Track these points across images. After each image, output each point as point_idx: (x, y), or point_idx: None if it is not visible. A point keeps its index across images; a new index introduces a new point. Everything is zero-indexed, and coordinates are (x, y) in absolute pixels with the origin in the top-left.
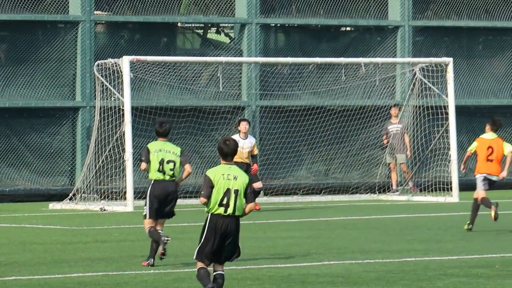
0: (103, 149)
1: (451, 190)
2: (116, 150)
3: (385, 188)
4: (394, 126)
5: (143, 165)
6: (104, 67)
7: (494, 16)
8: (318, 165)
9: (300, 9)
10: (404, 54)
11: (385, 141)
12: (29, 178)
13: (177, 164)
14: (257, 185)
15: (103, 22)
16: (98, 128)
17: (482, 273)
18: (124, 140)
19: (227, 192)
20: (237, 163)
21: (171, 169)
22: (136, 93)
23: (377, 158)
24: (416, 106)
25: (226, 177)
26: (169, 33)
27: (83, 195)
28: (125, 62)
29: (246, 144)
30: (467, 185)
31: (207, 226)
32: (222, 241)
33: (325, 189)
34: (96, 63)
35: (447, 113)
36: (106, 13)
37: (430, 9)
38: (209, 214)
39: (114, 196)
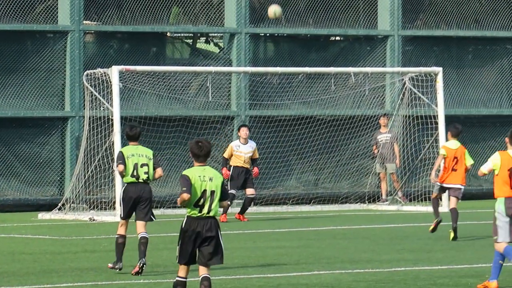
0: (92, 159)
1: (441, 199)
2: (105, 160)
3: (374, 197)
4: (383, 136)
5: (121, 167)
6: (93, 77)
7: (483, 26)
8: (307, 175)
9: (289, 18)
10: (394, 64)
11: (375, 151)
12: (18, 188)
13: (151, 167)
14: (250, 191)
15: (92, 32)
16: (87, 138)
17: (472, 283)
18: (113, 150)
19: (204, 194)
20: (236, 167)
21: (145, 173)
22: (125, 103)
23: (366, 168)
24: (405, 116)
25: (202, 178)
26: (158, 43)
27: (72, 205)
28: (114, 72)
29: (246, 149)
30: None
31: (183, 228)
32: (199, 243)
33: (314, 198)
34: (85, 73)
35: (436, 123)
36: (95, 23)
37: (419, 18)
38: (185, 216)
39: (103, 206)
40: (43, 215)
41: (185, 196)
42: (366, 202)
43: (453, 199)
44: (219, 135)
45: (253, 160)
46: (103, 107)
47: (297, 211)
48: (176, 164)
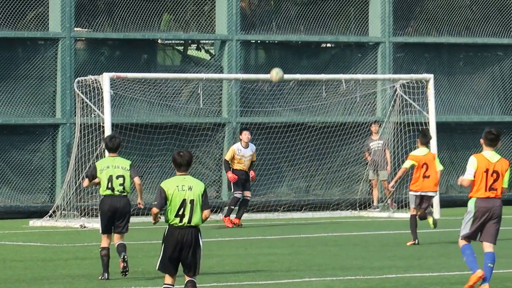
0: (83, 166)
1: (432, 206)
2: None
3: (366, 204)
4: (375, 143)
5: (85, 182)
6: (84, 84)
7: (474, 33)
8: (299, 182)
9: (280, 25)
10: (385, 71)
11: (368, 158)
12: (9, 195)
13: (127, 178)
14: (247, 193)
15: (83, 39)
16: (78, 145)
17: None
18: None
19: (183, 203)
20: (236, 170)
21: (120, 184)
22: (116, 110)
23: (358, 175)
24: (397, 123)
25: (181, 188)
26: (149, 50)
27: (63, 212)
28: (105, 79)
29: (247, 152)
30: (448, 202)
31: (165, 237)
32: (180, 252)
33: (306, 205)
34: (76, 80)
35: (427, 130)
36: (86, 30)
37: (410, 25)
38: (168, 225)
39: (94, 213)
40: (34, 222)
41: (154, 210)
42: (357, 209)
43: (424, 206)
44: (210, 142)
45: (250, 164)
46: (94, 114)
47: (288, 218)
48: (168, 171)
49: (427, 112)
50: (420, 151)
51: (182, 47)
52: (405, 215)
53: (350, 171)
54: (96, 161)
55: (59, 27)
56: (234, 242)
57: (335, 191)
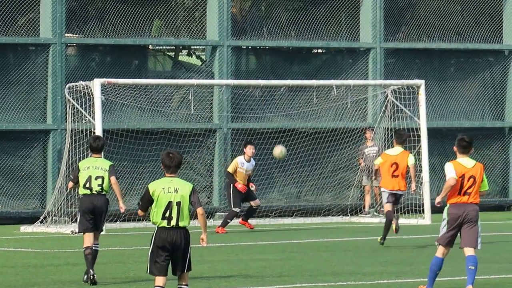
0: None
1: (423, 212)
2: None
3: (357, 210)
4: (370, 149)
5: (70, 184)
6: (75, 90)
7: (465, 38)
8: (290, 188)
9: (271, 31)
10: (376, 76)
11: (362, 164)
12: (0, 201)
13: (106, 179)
14: (256, 202)
15: (74, 44)
16: (69, 151)
17: None
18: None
19: (169, 205)
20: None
21: (99, 185)
22: (107, 116)
23: (349, 180)
24: (387, 128)
25: (167, 190)
26: (140, 56)
27: (54, 218)
28: (96, 85)
29: (249, 167)
30: (439, 207)
31: (153, 240)
32: (170, 253)
33: (297, 211)
34: (67, 85)
35: (419, 135)
36: (77, 35)
37: (401, 31)
38: (156, 228)
39: None
40: (25, 228)
41: (139, 213)
42: (349, 214)
43: (389, 204)
44: (201, 148)
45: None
46: (85, 120)
47: (279, 224)
48: (159, 177)
49: (418, 118)
50: (392, 151)
51: (173, 53)
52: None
53: (341, 177)
54: (79, 162)
55: (50, 33)
56: (225, 248)
57: (326, 197)
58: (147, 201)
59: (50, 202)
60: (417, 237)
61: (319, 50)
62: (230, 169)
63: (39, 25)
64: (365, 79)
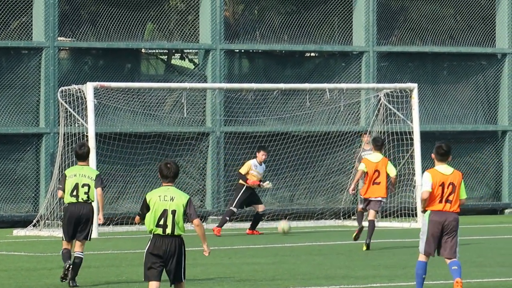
0: None
1: (416, 215)
2: None
3: (350, 214)
4: (367, 153)
5: (59, 193)
6: (68, 93)
7: (458, 42)
8: (282, 191)
9: (264, 35)
10: (369, 80)
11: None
12: None
13: (92, 188)
14: (262, 207)
15: (67, 48)
16: (62, 155)
17: None
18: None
19: (164, 213)
20: (247, 187)
21: (85, 193)
22: (100, 119)
23: (342, 184)
24: (380, 132)
25: (163, 198)
26: (133, 59)
27: (47, 221)
28: (89, 88)
29: (261, 170)
30: None
31: (148, 247)
32: (164, 261)
33: (290, 215)
34: (60, 89)
35: (412, 139)
36: (69, 39)
37: (394, 34)
38: (151, 235)
39: None
40: (18, 232)
41: (136, 219)
42: (341, 218)
43: (371, 212)
44: (194, 151)
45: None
46: (77, 123)
47: (272, 227)
48: (151, 181)
49: (411, 121)
50: (373, 157)
51: (166, 57)
52: (389, 224)
53: (334, 180)
54: (65, 170)
55: (43, 37)
56: (218, 251)
57: (319, 200)
58: (145, 209)
59: (43, 206)
60: (410, 240)
61: (312, 54)
62: (242, 170)
63: (31, 29)
64: (358, 82)
